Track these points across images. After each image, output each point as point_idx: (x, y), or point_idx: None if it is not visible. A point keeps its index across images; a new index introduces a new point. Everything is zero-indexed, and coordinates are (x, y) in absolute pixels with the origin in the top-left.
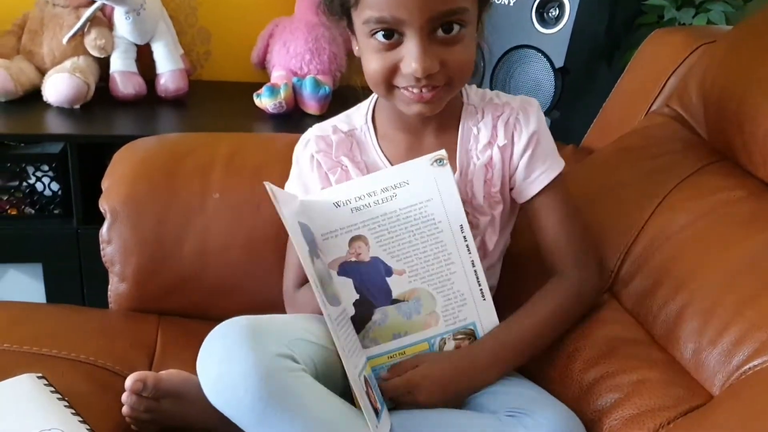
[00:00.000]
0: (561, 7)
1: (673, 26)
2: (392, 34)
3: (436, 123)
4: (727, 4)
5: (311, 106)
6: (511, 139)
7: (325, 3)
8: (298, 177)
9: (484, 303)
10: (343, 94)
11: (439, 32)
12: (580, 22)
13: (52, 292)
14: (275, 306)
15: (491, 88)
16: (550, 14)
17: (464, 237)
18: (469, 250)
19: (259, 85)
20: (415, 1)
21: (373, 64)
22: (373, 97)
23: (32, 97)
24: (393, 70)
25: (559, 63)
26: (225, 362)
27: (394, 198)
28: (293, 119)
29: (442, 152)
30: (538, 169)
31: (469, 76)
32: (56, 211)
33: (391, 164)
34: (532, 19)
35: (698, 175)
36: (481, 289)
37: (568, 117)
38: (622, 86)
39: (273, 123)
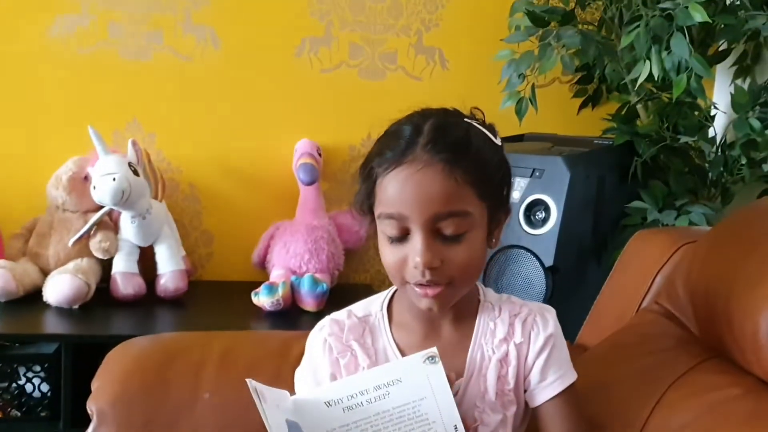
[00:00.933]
0: (547, 210)
1: (656, 227)
2: (402, 230)
3: (453, 314)
4: (707, 207)
5: (309, 304)
6: (528, 338)
7: (355, 203)
8: (308, 362)
9: None
10: (341, 292)
11: (443, 231)
12: (567, 224)
13: None
14: None
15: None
16: (536, 216)
17: None
18: None
19: (259, 284)
20: (418, 201)
21: (387, 256)
22: (393, 287)
23: (33, 297)
24: (403, 264)
25: (548, 262)
26: None
27: (387, 396)
28: (291, 317)
29: (434, 350)
30: (554, 374)
31: (474, 276)
32: (43, 414)
33: (402, 353)
34: (520, 221)
35: (694, 373)
36: None
37: (561, 315)
38: (612, 285)
39: (270, 321)
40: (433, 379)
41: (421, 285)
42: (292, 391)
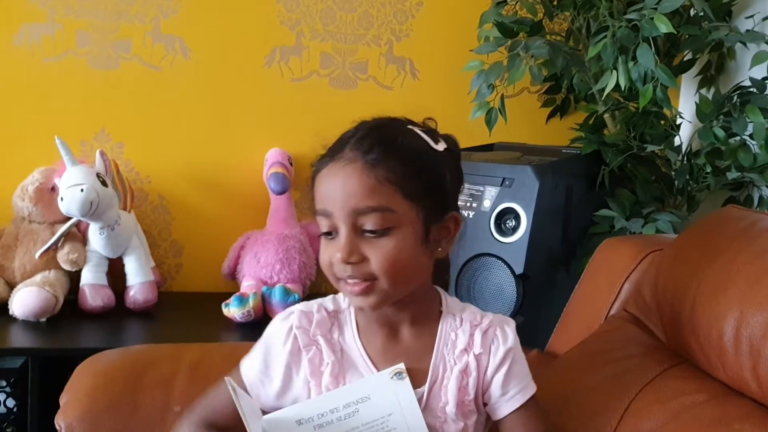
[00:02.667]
0: (517, 218)
1: (623, 235)
2: (331, 227)
3: (410, 319)
4: (673, 215)
5: None
6: (488, 350)
7: (311, 208)
8: (262, 351)
9: None
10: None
11: (365, 226)
12: (536, 232)
13: None
14: None
15: (456, 294)
16: (507, 225)
17: None
18: None
19: (229, 295)
20: (339, 196)
21: (321, 253)
22: None
23: None
24: (332, 260)
25: (519, 270)
26: None
27: (356, 414)
28: (262, 327)
29: (401, 366)
30: (515, 387)
31: (402, 275)
32: (9, 430)
33: (367, 353)
34: (490, 229)
35: (661, 379)
36: None
37: (531, 322)
38: (580, 292)
39: (241, 332)
40: (400, 394)
41: (346, 282)
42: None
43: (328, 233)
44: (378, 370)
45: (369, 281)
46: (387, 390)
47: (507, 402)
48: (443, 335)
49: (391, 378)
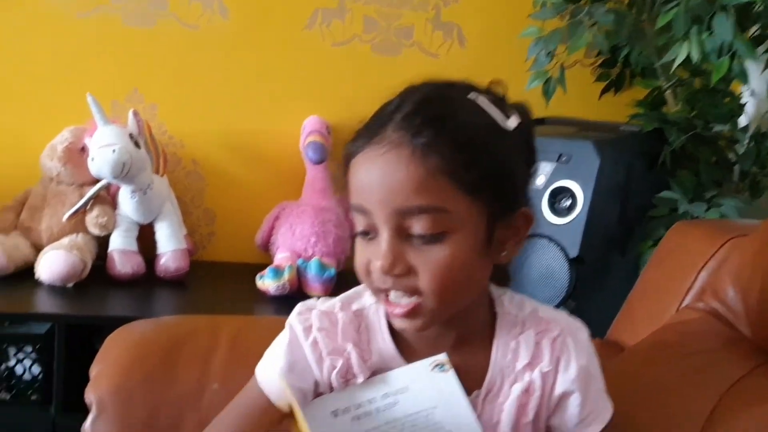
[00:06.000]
0: (573, 197)
1: (687, 219)
2: (369, 226)
3: (457, 337)
4: (737, 200)
5: (315, 288)
6: (556, 365)
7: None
8: (281, 353)
9: None
10: (347, 278)
11: (412, 230)
12: (593, 213)
13: None
14: None
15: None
16: (561, 204)
17: None
18: None
19: (260, 267)
20: (379, 191)
21: (356, 256)
22: None
23: (24, 274)
24: (369, 266)
25: (573, 253)
26: None
27: (396, 405)
28: (294, 302)
29: (443, 357)
30: (591, 412)
31: (455, 292)
32: (33, 397)
33: (401, 354)
34: (543, 209)
35: (748, 379)
36: None
37: (584, 307)
38: (647, 279)
39: (275, 305)
40: (443, 387)
41: (387, 297)
42: None
43: (366, 232)
44: None
45: (414, 299)
46: (427, 382)
47: (586, 428)
48: (501, 345)
49: (432, 369)
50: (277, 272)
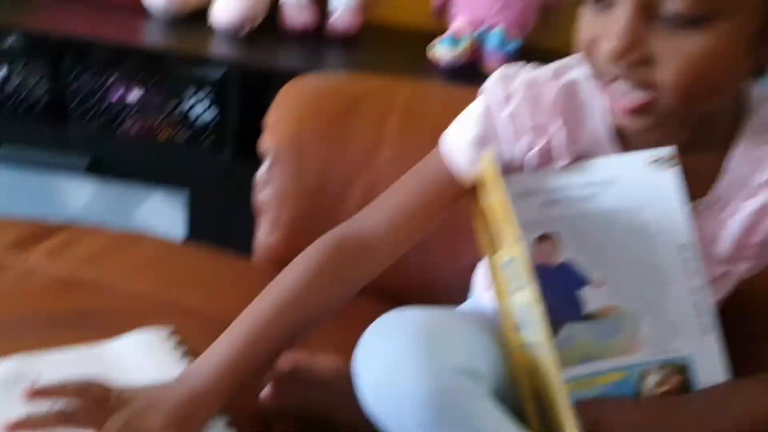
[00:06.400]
0: None
1: None
2: None
3: (688, 140)
4: None
5: (494, 63)
6: None
7: None
8: (482, 115)
9: (706, 338)
10: (527, 55)
11: (662, 10)
12: None
13: (193, 224)
14: (448, 286)
15: None
16: None
17: (688, 257)
18: (692, 273)
19: (431, 35)
20: None
21: (581, 27)
22: None
23: (195, 18)
24: (594, 43)
25: None
26: (392, 367)
27: (596, 197)
28: (468, 76)
29: (668, 150)
30: None
31: (697, 94)
32: (208, 141)
33: (621, 140)
34: None
35: None
36: (703, 321)
37: None
38: None
39: (444, 77)
40: (661, 186)
41: (611, 85)
42: None
43: (601, 1)
44: None
45: (648, 93)
46: (641, 177)
47: None
48: (742, 150)
49: (650, 163)
50: (454, 40)
